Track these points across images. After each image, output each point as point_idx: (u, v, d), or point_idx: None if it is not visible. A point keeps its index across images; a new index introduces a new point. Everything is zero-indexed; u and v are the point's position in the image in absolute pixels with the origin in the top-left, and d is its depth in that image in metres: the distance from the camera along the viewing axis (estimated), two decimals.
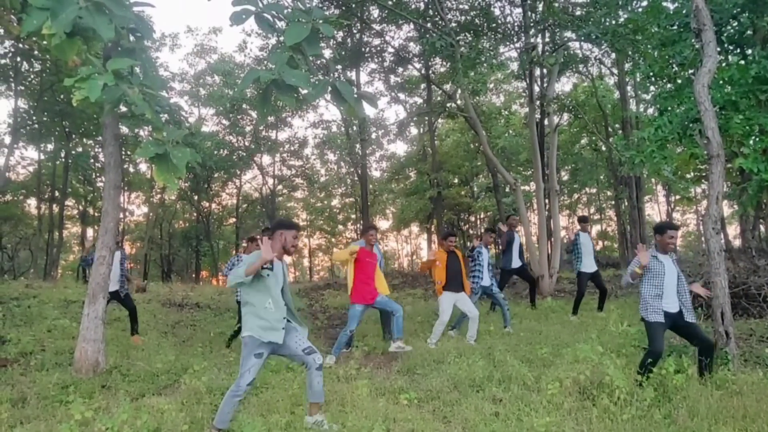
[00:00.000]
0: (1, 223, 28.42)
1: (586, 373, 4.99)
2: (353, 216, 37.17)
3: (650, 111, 23.51)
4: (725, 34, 8.21)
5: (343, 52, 18.90)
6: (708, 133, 6.26)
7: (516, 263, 10.31)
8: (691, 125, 7.14)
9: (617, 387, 4.73)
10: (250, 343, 4.33)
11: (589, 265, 9.68)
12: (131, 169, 30.00)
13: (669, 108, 7.75)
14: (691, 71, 8.06)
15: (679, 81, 8.22)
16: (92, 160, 25.69)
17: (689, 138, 7.28)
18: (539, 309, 10.38)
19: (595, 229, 43.12)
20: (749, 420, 4.19)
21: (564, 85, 27.85)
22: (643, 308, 5.36)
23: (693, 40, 7.44)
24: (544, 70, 16.18)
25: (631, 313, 9.00)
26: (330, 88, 5.27)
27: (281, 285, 4.50)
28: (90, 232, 36.19)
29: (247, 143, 27.77)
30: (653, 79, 8.62)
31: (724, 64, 8.20)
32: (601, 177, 31.41)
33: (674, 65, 8.12)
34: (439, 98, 22.91)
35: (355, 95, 5.24)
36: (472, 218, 36.50)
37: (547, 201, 15.09)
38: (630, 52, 12.00)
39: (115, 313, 10.49)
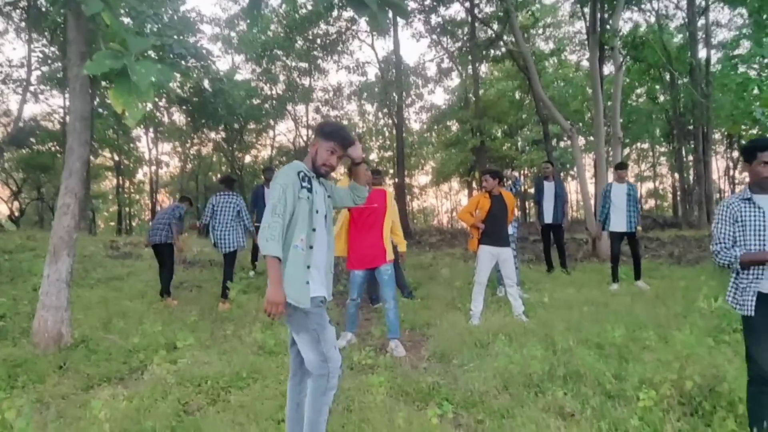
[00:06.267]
0: (39, 174, 28.11)
1: (695, 379, 3.51)
2: (391, 171, 35.74)
3: (718, 56, 21.08)
4: None
5: None
6: None
7: (547, 218, 9.19)
8: None
9: (743, 401, 3.25)
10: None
11: (619, 224, 8.04)
12: (165, 119, 29.04)
13: None
14: None
15: None
16: None
17: None
18: (601, 276, 8.85)
19: (647, 186, 40.61)
20: None
21: (622, 27, 25.32)
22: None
23: None
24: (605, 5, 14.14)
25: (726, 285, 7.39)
26: None
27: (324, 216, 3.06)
28: (127, 183, 35.98)
29: (280, 92, 26.43)
30: None
31: None
32: (656, 131, 28.97)
33: None
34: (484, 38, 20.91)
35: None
36: (516, 173, 34.55)
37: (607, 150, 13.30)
38: None
39: (111, 270, 9.51)
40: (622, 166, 8.46)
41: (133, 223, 39.90)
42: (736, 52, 15.15)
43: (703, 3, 20.35)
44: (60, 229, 5.34)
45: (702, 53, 20.89)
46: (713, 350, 4.05)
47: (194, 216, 30.69)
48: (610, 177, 12.77)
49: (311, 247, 2.89)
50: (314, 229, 2.91)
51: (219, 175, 34.17)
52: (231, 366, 4.42)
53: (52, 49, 19.14)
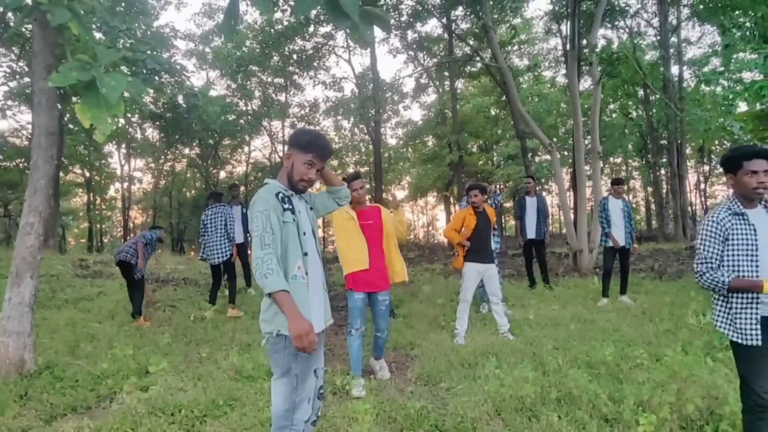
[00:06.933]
0: (6, 191, 27.39)
1: (697, 402, 3.36)
2: (368, 186, 35.64)
3: (689, 73, 21.42)
4: None
5: None
6: None
7: (530, 234, 9.15)
8: None
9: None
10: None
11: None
12: (138, 135, 28.61)
13: None
14: None
15: None
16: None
17: None
18: (584, 291, 8.78)
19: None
20: None
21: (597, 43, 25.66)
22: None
23: None
24: (581, 21, 14.25)
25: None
26: None
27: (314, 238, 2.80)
28: (98, 200, 35.16)
29: (255, 107, 26.21)
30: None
31: None
32: (629, 145, 29.38)
33: None
34: (461, 54, 20.98)
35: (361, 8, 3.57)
36: (493, 187, 34.69)
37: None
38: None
39: (80, 290, 9.15)
40: (618, 182, 8.41)
41: (105, 240, 39.04)
42: (705, 69, 15.44)
43: (675, 21, 20.74)
44: (23, 249, 5.04)
45: (674, 70, 21.29)
46: (709, 369, 3.92)
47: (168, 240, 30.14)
48: (589, 192, 12.83)
49: (307, 273, 2.64)
50: (306, 253, 2.65)
51: (193, 192, 33.74)
52: (206, 393, 4.16)
53: (20, 64, 18.67)
